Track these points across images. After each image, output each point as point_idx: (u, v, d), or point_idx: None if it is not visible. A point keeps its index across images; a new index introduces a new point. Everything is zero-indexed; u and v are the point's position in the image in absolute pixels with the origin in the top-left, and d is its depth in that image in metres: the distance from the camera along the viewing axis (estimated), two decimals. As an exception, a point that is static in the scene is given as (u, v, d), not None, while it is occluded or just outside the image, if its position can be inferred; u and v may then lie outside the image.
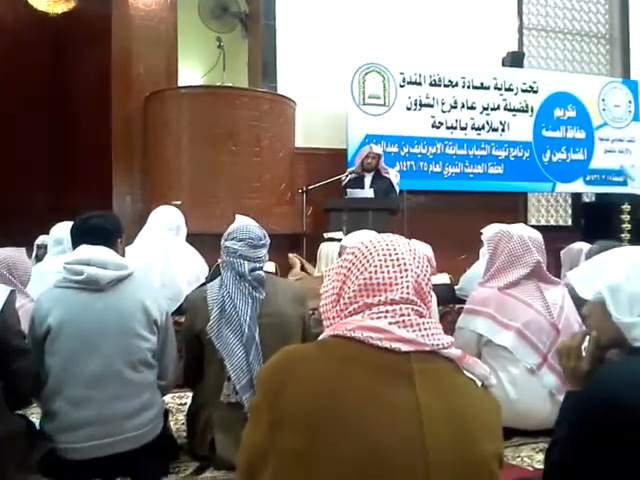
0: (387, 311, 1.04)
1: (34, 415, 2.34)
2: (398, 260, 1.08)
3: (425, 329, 1.04)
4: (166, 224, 3.58)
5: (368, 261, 1.09)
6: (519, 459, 2.37)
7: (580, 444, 1.07)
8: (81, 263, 2.08)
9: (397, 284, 1.06)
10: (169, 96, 5.26)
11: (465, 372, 1.08)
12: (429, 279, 1.12)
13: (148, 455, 2.08)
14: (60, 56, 6.32)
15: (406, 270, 1.08)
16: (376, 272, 1.07)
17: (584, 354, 1.34)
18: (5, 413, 1.79)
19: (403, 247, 1.11)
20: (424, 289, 1.10)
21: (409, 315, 1.04)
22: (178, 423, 2.68)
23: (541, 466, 2.14)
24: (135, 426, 2.05)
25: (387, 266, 1.08)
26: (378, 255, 1.09)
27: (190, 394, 2.51)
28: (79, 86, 6.22)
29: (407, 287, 1.06)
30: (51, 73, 6.35)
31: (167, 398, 2.71)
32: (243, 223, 2.40)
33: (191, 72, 7.53)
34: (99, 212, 2.37)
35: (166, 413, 2.33)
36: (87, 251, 2.13)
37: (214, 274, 3.38)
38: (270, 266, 2.34)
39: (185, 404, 2.78)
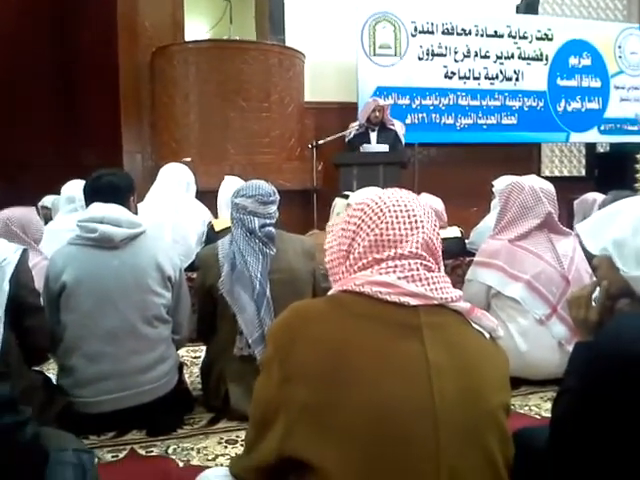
0: (396, 266, 1.04)
1: (51, 371, 2.40)
2: (409, 217, 1.08)
3: (433, 283, 1.05)
4: (176, 181, 3.58)
5: (379, 218, 1.08)
6: (527, 408, 2.41)
7: (589, 395, 1.07)
8: (94, 221, 2.10)
9: (408, 241, 1.06)
10: (176, 51, 5.18)
11: (473, 324, 1.08)
12: (438, 234, 1.12)
13: (163, 407, 2.14)
14: (65, 12, 6.21)
15: (417, 228, 1.07)
16: (387, 229, 1.07)
17: (594, 304, 1.34)
18: (22, 369, 1.83)
19: (414, 202, 1.10)
20: (435, 244, 1.09)
21: (418, 270, 1.04)
22: (192, 376, 2.74)
23: (549, 414, 2.17)
24: (150, 379, 2.10)
25: (399, 222, 1.07)
26: (389, 211, 1.08)
27: (204, 348, 2.55)
28: (85, 43, 6.13)
29: (417, 242, 1.06)
30: (57, 31, 6.26)
31: (182, 352, 2.76)
32: (253, 181, 2.39)
33: (198, 26, 7.40)
34: (111, 170, 2.37)
35: (181, 366, 2.38)
36: (100, 209, 2.14)
37: (209, 235, 3.40)
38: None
39: (199, 357, 2.83)
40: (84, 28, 6.05)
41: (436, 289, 1.04)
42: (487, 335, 1.09)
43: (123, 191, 2.29)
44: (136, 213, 2.35)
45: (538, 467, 1.15)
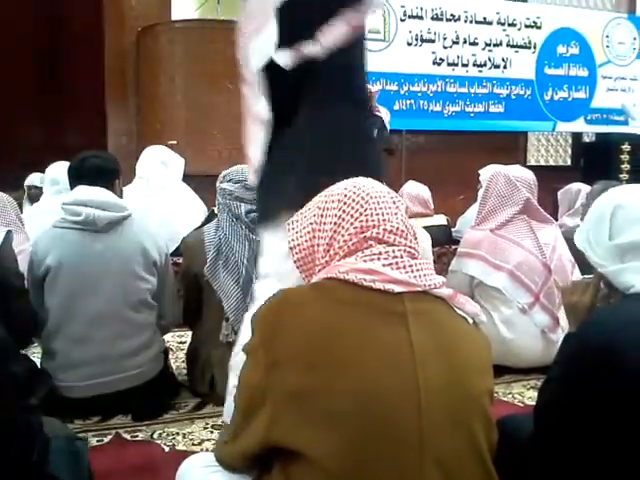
0: (380, 253, 1.05)
1: (35, 354, 2.39)
2: (387, 202, 1.09)
3: (417, 270, 1.05)
4: (157, 161, 3.54)
5: (362, 206, 1.08)
6: (510, 396, 2.44)
7: (572, 385, 1.09)
8: (79, 204, 2.08)
9: (391, 220, 1.07)
10: (162, 31, 5.10)
11: (457, 310, 1.09)
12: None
13: (148, 393, 2.14)
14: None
15: (395, 213, 1.09)
16: (372, 214, 1.07)
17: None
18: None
19: (386, 188, 1.12)
20: (412, 228, 1.11)
21: (402, 257, 1.05)
22: (178, 361, 2.74)
23: (531, 402, 2.21)
24: (136, 364, 2.10)
25: (381, 208, 1.08)
26: (372, 198, 1.09)
27: (190, 333, 2.55)
28: (71, 22, 6.03)
29: (399, 220, 1.08)
30: (42, 10, 6.15)
31: (167, 337, 2.75)
32: (240, 166, 2.38)
33: (185, 5, 7.28)
34: (96, 152, 2.34)
35: (166, 351, 2.38)
36: (85, 192, 2.12)
37: (209, 219, 3.38)
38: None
39: (185, 343, 2.83)
40: (69, 7, 5.94)
41: (420, 276, 1.05)
42: (470, 320, 1.10)
43: (108, 174, 2.26)
44: (121, 196, 2.32)
45: (521, 456, 1.17)
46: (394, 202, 1.10)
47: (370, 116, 5.09)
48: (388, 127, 5.19)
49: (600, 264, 1.20)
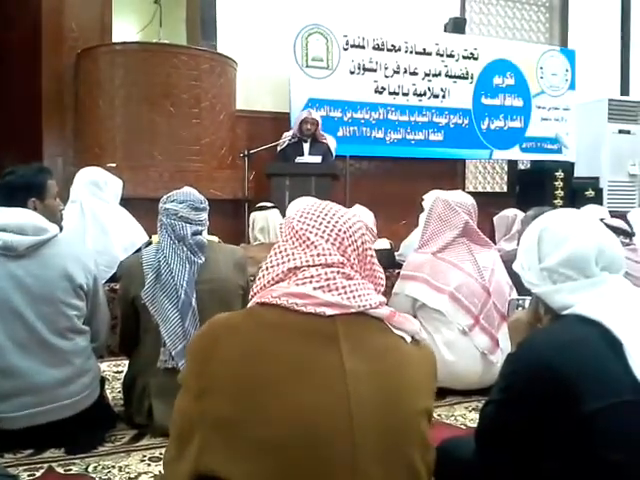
0: (312, 276, 1.05)
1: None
2: (321, 224, 1.10)
3: (351, 291, 1.05)
4: (89, 184, 3.40)
5: (293, 229, 1.11)
6: (453, 418, 2.45)
7: (508, 408, 1.11)
8: None
9: (320, 244, 1.07)
10: (102, 53, 5.03)
11: (394, 330, 1.08)
12: (364, 242, 1.12)
13: (83, 424, 2.04)
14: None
15: (334, 237, 1.09)
16: (302, 235, 1.09)
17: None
18: None
19: (331, 211, 1.12)
20: (356, 251, 1.10)
21: (334, 279, 1.05)
22: (114, 391, 2.64)
23: (473, 424, 2.22)
24: (69, 393, 2.00)
25: (311, 232, 1.09)
26: (297, 223, 1.11)
27: (126, 362, 2.46)
28: (7, 42, 5.86)
29: (331, 242, 1.08)
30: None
31: (103, 366, 2.65)
32: (183, 188, 2.34)
33: (126, 28, 7.21)
34: (15, 167, 2.24)
35: (102, 380, 2.29)
36: (3, 216, 2.02)
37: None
38: (213, 239, 2.30)
39: (121, 372, 2.73)
40: (6, 27, 5.77)
41: (354, 297, 1.04)
42: (409, 339, 1.09)
43: (17, 192, 2.18)
44: (49, 215, 2.21)
45: (462, 478, 1.17)
46: (345, 220, 1.10)
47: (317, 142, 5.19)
48: (334, 154, 5.26)
49: (534, 284, 1.24)
